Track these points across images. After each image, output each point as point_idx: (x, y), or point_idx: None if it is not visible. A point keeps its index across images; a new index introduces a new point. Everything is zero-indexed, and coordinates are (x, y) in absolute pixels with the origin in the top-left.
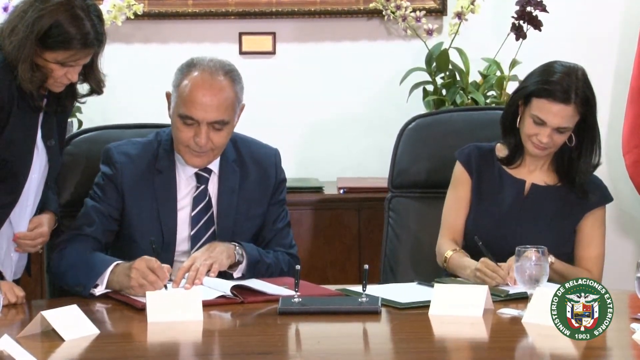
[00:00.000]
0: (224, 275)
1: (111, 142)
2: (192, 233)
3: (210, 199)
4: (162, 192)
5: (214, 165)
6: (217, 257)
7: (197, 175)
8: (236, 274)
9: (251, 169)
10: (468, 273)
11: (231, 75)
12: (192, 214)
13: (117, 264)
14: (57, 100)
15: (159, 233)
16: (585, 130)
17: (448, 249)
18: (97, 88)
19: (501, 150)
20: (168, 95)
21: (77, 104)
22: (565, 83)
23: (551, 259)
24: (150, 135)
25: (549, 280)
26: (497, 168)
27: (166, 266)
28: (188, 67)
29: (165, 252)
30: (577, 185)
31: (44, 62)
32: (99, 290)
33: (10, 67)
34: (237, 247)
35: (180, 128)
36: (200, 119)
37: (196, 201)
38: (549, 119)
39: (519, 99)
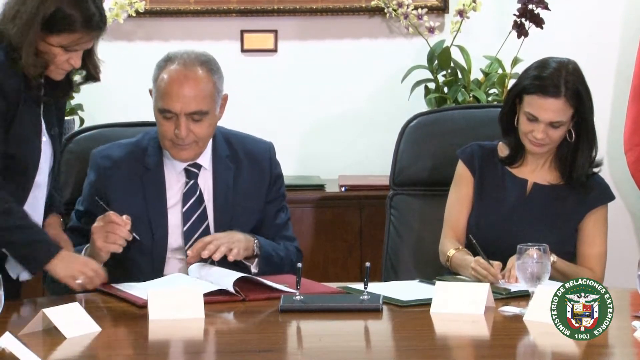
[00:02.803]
0: (238, 267)
1: (111, 142)
2: (184, 229)
3: (201, 194)
4: (151, 190)
5: (204, 160)
6: (237, 244)
7: (186, 170)
8: (254, 268)
9: (245, 164)
10: (469, 272)
11: (207, 65)
12: (184, 209)
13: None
14: (52, 90)
15: (149, 230)
16: (581, 124)
17: (451, 247)
18: (95, 74)
19: (503, 150)
20: (151, 92)
21: (80, 103)
22: (555, 77)
23: (553, 258)
24: (138, 135)
25: (552, 278)
26: (499, 167)
27: (124, 216)
28: (165, 62)
29: (158, 248)
30: (574, 180)
31: (47, 47)
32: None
33: (14, 59)
34: (255, 241)
35: (161, 122)
36: (178, 111)
37: (186, 197)
38: (541, 114)
39: (513, 98)
